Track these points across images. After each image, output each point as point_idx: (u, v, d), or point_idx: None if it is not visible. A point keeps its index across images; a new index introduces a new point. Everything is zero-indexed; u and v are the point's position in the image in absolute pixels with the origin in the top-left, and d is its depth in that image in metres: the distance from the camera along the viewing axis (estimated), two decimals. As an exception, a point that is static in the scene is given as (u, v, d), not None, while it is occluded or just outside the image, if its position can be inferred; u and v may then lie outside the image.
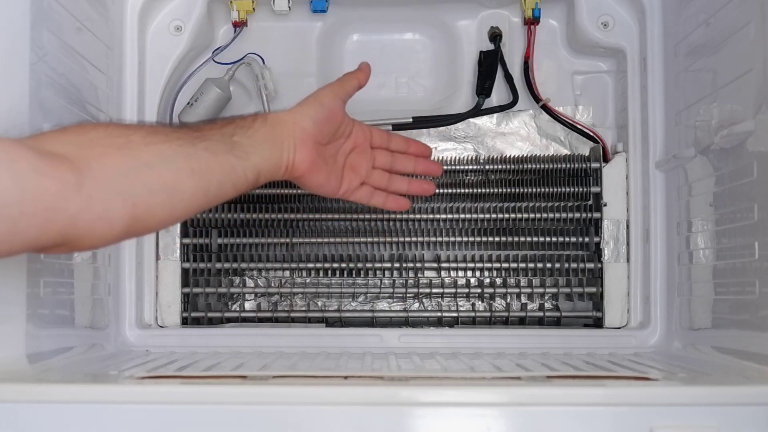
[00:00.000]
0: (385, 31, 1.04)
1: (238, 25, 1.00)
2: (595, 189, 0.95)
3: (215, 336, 0.91)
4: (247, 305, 1.00)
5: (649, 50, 0.91)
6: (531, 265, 0.95)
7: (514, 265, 0.96)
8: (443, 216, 0.96)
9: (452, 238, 0.96)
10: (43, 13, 0.70)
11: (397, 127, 0.98)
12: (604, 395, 0.55)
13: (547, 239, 0.96)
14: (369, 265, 0.96)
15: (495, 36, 1.00)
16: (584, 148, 1.00)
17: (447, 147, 1.03)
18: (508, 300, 0.97)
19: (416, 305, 0.99)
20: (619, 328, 0.93)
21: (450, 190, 0.98)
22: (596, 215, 0.94)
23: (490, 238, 0.96)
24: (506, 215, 0.95)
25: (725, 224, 0.75)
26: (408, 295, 0.97)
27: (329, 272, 0.96)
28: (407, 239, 0.96)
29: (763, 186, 0.67)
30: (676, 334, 0.87)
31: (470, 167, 0.97)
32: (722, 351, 0.74)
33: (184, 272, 0.95)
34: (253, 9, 1.00)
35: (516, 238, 0.96)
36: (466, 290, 0.96)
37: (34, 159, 0.47)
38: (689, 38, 0.83)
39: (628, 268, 0.93)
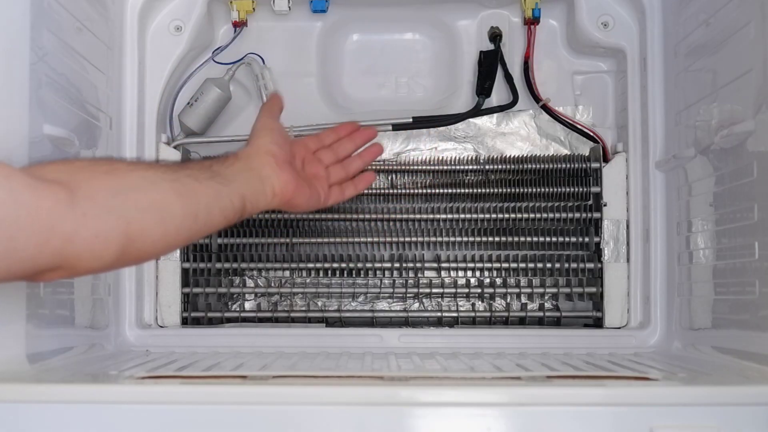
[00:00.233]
0: (385, 31, 1.04)
1: (238, 25, 1.00)
2: (595, 189, 0.95)
3: (215, 336, 0.91)
4: (247, 305, 1.00)
5: (649, 50, 0.91)
6: (531, 265, 0.95)
7: (514, 265, 0.96)
8: (443, 216, 0.96)
9: (452, 238, 0.96)
10: (43, 13, 0.70)
11: (397, 127, 0.98)
12: (604, 395, 0.55)
13: (547, 239, 0.96)
14: (369, 265, 0.96)
15: (495, 36, 1.00)
16: (584, 148, 1.00)
17: (447, 147, 1.03)
18: (508, 300, 0.97)
19: (416, 305, 0.99)
20: (619, 328, 0.93)
21: (450, 190, 0.98)
22: (596, 215, 0.94)
23: (490, 238, 0.96)
24: (506, 215, 0.95)
25: (725, 224, 0.75)
26: (408, 295, 0.97)
27: (329, 272, 0.96)
28: (407, 239, 0.96)
29: (763, 186, 0.67)
30: (676, 334, 0.87)
31: (470, 167, 0.97)
32: (722, 351, 0.74)
33: (184, 272, 0.95)
34: (253, 9, 1.00)
35: (516, 238, 0.96)
36: (466, 290, 0.96)
37: (27, 178, 0.47)
38: (689, 38, 0.83)
39: (628, 268, 0.93)
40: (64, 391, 0.54)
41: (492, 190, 0.97)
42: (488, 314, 0.95)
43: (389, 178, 1.00)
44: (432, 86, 1.03)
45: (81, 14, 0.80)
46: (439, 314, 0.96)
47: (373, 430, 0.53)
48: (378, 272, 0.97)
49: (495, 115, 1.02)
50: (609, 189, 0.94)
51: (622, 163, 0.94)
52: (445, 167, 0.98)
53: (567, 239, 0.96)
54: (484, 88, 0.99)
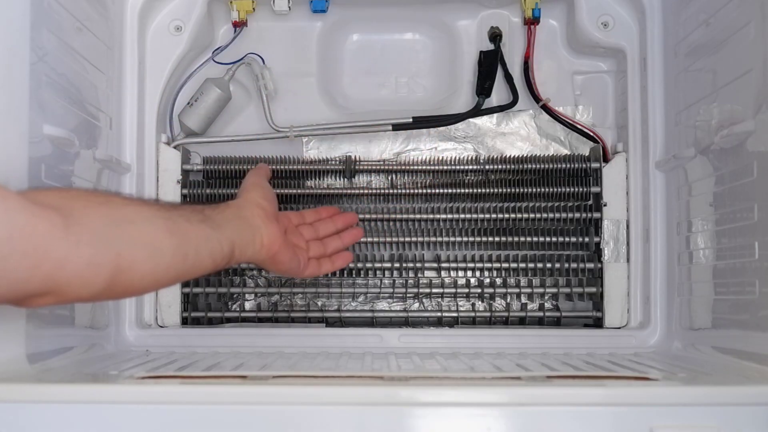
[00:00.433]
0: (385, 31, 1.04)
1: (238, 25, 1.00)
2: (595, 189, 0.95)
3: (215, 336, 0.91)
4: (247, 305, 1.00)
5: (649, 50, 0.91)
6: (531, 265, 0.95)
7: (514, 265, 0.96)
8: (443, 216, 0.96)
9: (452, 238, 0.96)
10: (43, 13, 0.70)
11: (397, 127, 0.98)
12: (604, 395, 0.55)
13: (547, 239, 0.96)
14: (369, 265, 0.96)
15: (495, 36, 1.00)
16: (584, 148, 1.00)
17: (447, 147, 1.03)
18: (508, 300, 0.97)
19: (416, 305, 0.99)
20: (619, 328, 0.93)
21: (450, 190, 0.98)
22: (596, 215, 0.94)
23: (490, 238, 0.96)
24: (506, 215, 0.95)
25: (725, 224, 0.75)
26: (408, 295, 0.97)
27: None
28: (407, 239, 0.96)
29: (763, 186, 0.67)
30: (676, 334, 0.87)
31: (470, 167, 0.97)
32: (722, 351, 0.74)
33: (184, 272, 0.95)
34: (253, 9, 1.00)
35: (516, 238, 0.96)
36: (466, 290, 0.96)
37: (22, 200, 0.47)
38: (689, 38, 0.83)
39: (628, 268, 0.93)
40: (64, 391, 0.54)
41: (492, 190, 0.97)
42: (488, 314, 0.95)
43: (389, 178, 1.00)
44: (432, 86, 1.03)
45: (81, 14, 0.80)
46: (439, 314, 0.96)
47: (373, 430, 0.53)
48: (378, 272, 0.97)
49: (495, 115, 1.02)
50: (609, 189, 0.94)
51: (622, 163, 0.94)
52: (445, 167, 0.98)
53: (567, 239, 0.96)
54: (484, 88, 0.99)
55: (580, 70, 1.01)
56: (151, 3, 0.94)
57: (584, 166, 0.96)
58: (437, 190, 0.98)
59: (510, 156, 0.98)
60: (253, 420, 0.53)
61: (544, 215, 0.95)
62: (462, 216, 0.96)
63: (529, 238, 0.96)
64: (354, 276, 0.97)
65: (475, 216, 0.95)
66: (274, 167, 0.96)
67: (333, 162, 0.99)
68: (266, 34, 1.02)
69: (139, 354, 0.85)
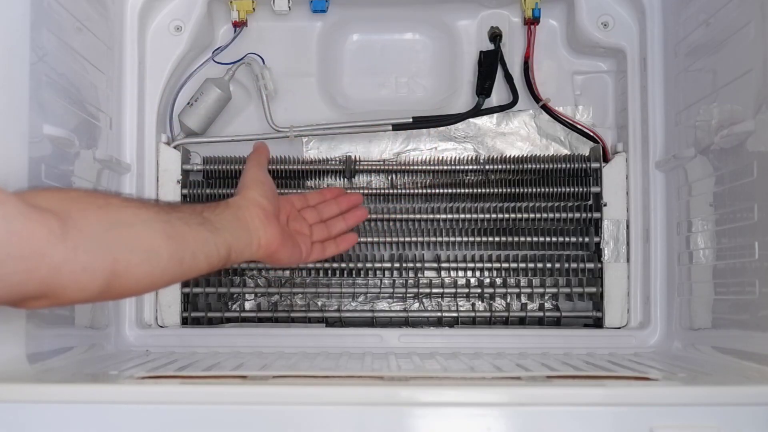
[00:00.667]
0: (385, 31, 1.04)
1: (238, 25, 1.00)
2: (595, 189, 0.95)
3: (215, 336, 0.91)
4: (247, 305, 1.00)
5: (649, 50, 0.91)
6: (531, 265, 0.95)
7: (514, 265, 0.96)
8: (443, 216, 0.96)
9: (452, 238, 0.96)
10: (43, 13, 0.70)
11: (397, 127, 0.98)
12: (604, 395, 0.55)
13: (547, 239, 0.96)
14: (369, 265, 0.96)
15: (495, 36, 1.00)
16: (584, 148, 1.00)
17: (447, 147, 1.03)
18: (508, 300, 0.97)
19: (416, 305, 0.99)
20: (619, 328, 0.93)
21: (450, 190, 0.98)
22: (596, 215, 0.94)
23: (490, 238, 0.96)
24: (506, 215, 0.95)
25: (725, 224, 0.75)
26: (408, 295, 0.97)
27: (329, 272, 0.96)
28: (407, 239, 0.96)
29: (763, 186, 0.67)
30: (676, 334, 0.87)
31: (470, 167, 0.97)
32: (722, 351, 0.74)
33: (184, 272, 0.95)
34: (253, 9, 1.00)
35: (516, 238, 0.96)
36: (466, 290, 0.96)
37: (21, 205, 0.47)
38: (689, 38, 0.83)
39: (628, 268, 0.93)
40: (64, 391, 0.54)
41: (492, 190, 0.97)
42: (488, 314, 0.95)
43: (389, 178, 1.00)
44: (432, 86, 1.03)
45: (81, 14, 0.80)
46: (439, 314, 0.96)
47: (373, 430, 0.53)
48: (378, 272, 0.97)
49: (495, 115, 1.02)
50: (609, 189, 0.94)
51: (622, 163, 0.94)
52: (445, 167, 0.98)
53: (567, 239, 0.96)
54: (484, 88, 0.99)
55: (580, 70, 1.01)
56: (151, 3, 0.94)
57: (584, 166, 0.96)
58: (437, 190, 0.98)
59: (510, 156, 0.98)
60: (253, 420, 0.53)
61: (544, 215, 0.95)
62: (462, 216, 0.96)
63: (529, 238, 0.96)
64: (354, 276, 0.97)
65: (475, 216, 0.95)
66: (274, 167, 0.96)
67: (333, 162, 0.99)
68: (266, 34, 1.02)
69: (139, 354, 0.85)
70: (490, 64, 0.99)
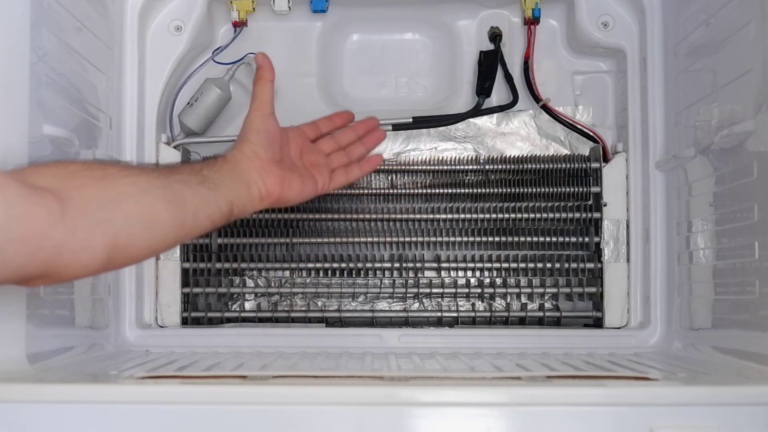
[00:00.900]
0: (385, 31, 1.04)
1: (238, 25, 1.00)
2: (595, 189, 0.95)
3: (215, 336, 0.91)
4: (247, 305, 1.00)
5: (649, 50, 0.91)
6: (531, 265, 0.95)
7: (514, 265, 0.96)
8: (443, 216, 0.96)
9: (452, 238, 0.96)
10: (43, 13, 0.70)
11: (398, 127, 0.98)
12: (604, 395, 0.55)
13: (547, 239, 0.96)
14: (369, 265, 0.96)
15: (495, 36, 1.00)
16: (584, 148, 1.00)
17: (447, 147, 1.03)
18: (508, 300, 0.97)
19: (416, 305, 0.99)
20: (619, 328, 0.93)
21: (450, 190, 0.98)
22: (596, 215, 0.94)
23: (490, 238, 0.96)
24: (506, 215, 0.95)
25: (725, 224, 0.75)
26: (408, 295, 0.97)
27: (329, 272, 0.96)
28: (407, 239, 0.96)
29: (763, 186, 0.67)
30: (676, 334, 0.87)
31: (470, 167, 0.97)
32: (722, 351, 0.74)
33: (184, 272, 0.95)
34: (253, 9, 1.00)
35: (516, 238, 0.96)
36: (466, 290, 0.96)
37: (21, 188, 0.47)
38: (689, 38, 0.83)
39: (628, 268, 0.93)
40: (64, 391, 0.54)
41: (492, 190, 0.97)
42: (488, 314, 0.95)
43: (389, 178, 1.00)
44: (432, 86, 1.03)
45: (81, 14, 0.80)
46: (439, 314, 0.96)
47: (373, 430, 0.53)
48: (378, 272, 0.97)
49: (495, 115, 1.02)
50: (609, 189, 0.94)
51: (622, 163, 0.94)
52: (445, 167, 0.98)
53: (567, 239, 0.96)
54: (484, 88, 0.99)
55: (580, 70, 1.01)
56: (151, 3, 0.93)
57: (584, 166, 0.96)
58: (437, 190, 0.98)
59: (510, 156, 0.98)
60: (253, 420, 0.53)
61: (544, 215, 0.95)
62: (462, 216, 0.96)
63: (529, 238, 0.96)
64: (354, 276, 0.97)
65: (475, 216, 0.95)
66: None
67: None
68: (266, 34, 1.02)
69: (139, 354, 0.85)
70: (490, 64, 0.99)
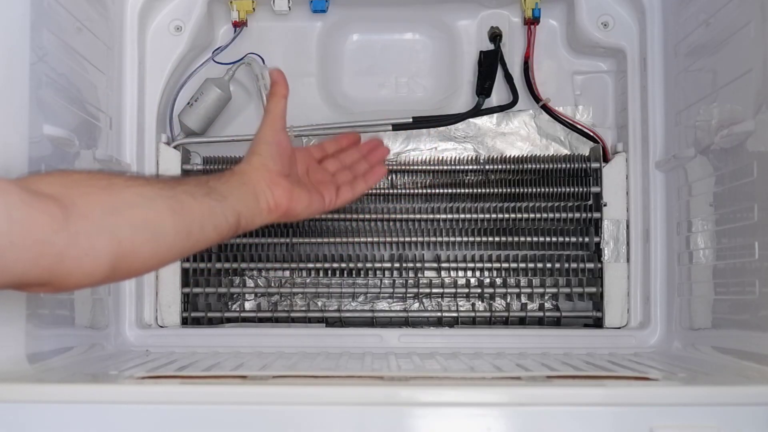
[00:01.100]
0: (385, 31, 1.04)
1: (238, 25, 1.00)
2: (595, 189, 0.95)
3: (215, 336, 0.91)
4: (247, 305, 1.00)
5: (649, 50, 0.91)
6: (531, 265, 0.95)
7: (514, 265, 0.96)
8: (443, 216, 0.96)
9: (452, 238, 0.96)
10: (43, 13, 0.70)
11: (397, 127, 0.98)
12: (604, 395, 0.55)
13: (547, 239, 0.96)
14: (369, 265, 0.96)
15: (495, 36, 1.00)
16: (584, 148, 1.00)
17: (447, 147, 1.03)
18: (508, 300, 0.97)
19: (416, 305, 0.99)
20: (619, 328, 0.93)
21: (450, 190, 0.98)
22: (596, 215, 0.94)
23: (490, 238, 0.96)
24: (506, 215, 0.95)
25: (725, 224, 0.75)
26: (408, 295, 0.97)
27: (329, 272, 0.96)
28: (407, 239, 0.96)
29: (763, 186, 0.67)
30: (676, 334, 0.87)
31: (470, 167, 0.97)
32: (722, 351, 0.74)
33: (184, 272, 0.95)
34: (253, 9, 1.00)
35: (516, 238, 0.96)
36: (466, 290, 0.96)
37: (23, 193, 0.47)
38: (689, 38, 0.83)
39: (628, 268, 0.93)
40: (64, 391, 0.54)
41: (492, 190, 0.97)
42: (488, 314, 0.95)
43: (389, 178, 1.00)
44: (432, 86, 1.03)
45: (81, 14, 0.80)
46: (439, 314, 0.96)
47: (373, 430, 0.53)
48: (378, 272, 0.97)
49: (495, 115, 1.02)
50: (609, 189, 0.94)
51: (622, 163, 0.94)
52: (445, 167, 0.98)
53: (567, 239, 0.96)
54: (484, 88, 0.99)
55: (580, 70, 1.01)
56: (151, 3, 0.94)
57: (584, 166, 0.96)
58: (437, 190, 0.98)
59: (510, 156, 0.98)
60: (253, 420, 0.53)
61: (544, 215, 0.95)
62: (462, 216, 0.96)
63: (529, 238, 0.96)
64: (354, 276, 0.97)
65: (475, 216, 0.95)
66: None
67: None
68: (266, 34, 1.02)
69: (139, 354, 0.85)
70: (490, 64, 0.99)
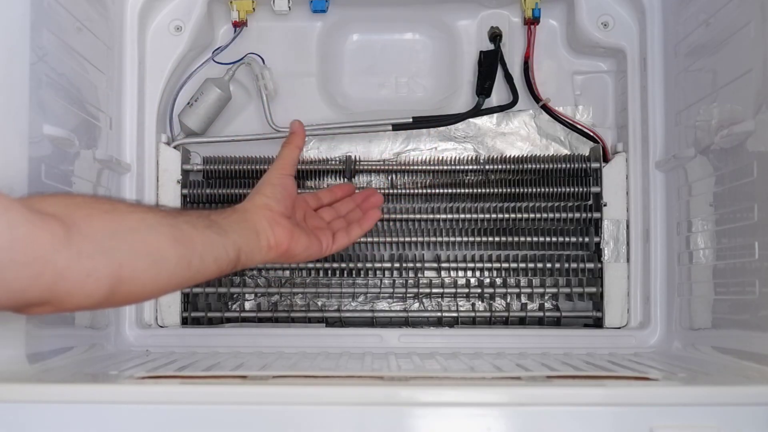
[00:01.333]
0: (385, 31, 1.04)
1: (238, 25, 1.00)
2: (595, 189, 0.95)
3: (215, 336, 0.91)
4: (247, 305, 1.00)
5: (649, 50, 0.91)
6: (531, 265, 0.95)
7: (514, 265, 0.96)
8: (443, 216, 0.96)
9: (452, 238, 0.96)
10: (43, 13, 0.70)
11: (397, 127, 0.98)
12: (604, 395, 0.55)
13: (547, 239, 0.96)
14: (369, 265, 0.96)
15: (495, 36, 1.00)
16: (584, 148, 1.00)
17: (447, 147, 1.03)
18: (508, 300, 0.97)
19: (416, 305, 0.99)
20: (619, 328, 0.93)
21: (450, 190, 0.98)
22: (596, 215, 0.94)
23: (490, 238, 0.96)
24: (506, 215, 0.95)
25: (725, 224, 0.75)
26: (408, 295, 0.97)
27: (329, 272, 0.96)
28: (407, 239, 0.96)
29: (763, 186, 0.67)
30: (676, 334, 0.87)
31: (470, 167, 0.97)
32: (722, 351, 0.74)
33: (184, 272, 0.95)
34: (253, 9, 1.00)
35: (516, 238, 0.96)
36: (466, 290, 0.96)
37: (25, 211, 0.47)
38: (689, 38, 0.83)
39: (628, 268, 0.93)
40: (64, 391, 0.54)
41: (492, 190, 0.97)
42: (488, 314, 0.95)
43: (389, 178, 1.00)
44: (432, 86, 1.03)
45: (81, 14, 0.80)
46: (439, 314, 0.96)
47: (373, 430, 0.53)
48: (378, 272, 0.97)
49: (495, 115, 1.02)
50: (609, 189, 0.94)
51: (622, 163, 0.94)
52: (445, 167, 0.98)
53: (567, 239, 0.96)
54: (484, 88, 0.99)
55: (580, 70, 1.01)
56: (151, 3, 0.94)
57: (584, 166, 0.96)
58: (437, 190, 0.98)
59: (510, 156, 0.98)
60: (253, 420, 0.53)
61: (544, 215, 0.95)
62: (462, 216, 0.96)
63: (529, 238, 0.96)
64: (354, 276, 0.97)
65: (475, 216, 0.95)
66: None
67: (333, 162, 0.99)
68: (266, 34, 1.02)
69: (139, 354, 0.85)
70: (490, 64, 0.99)
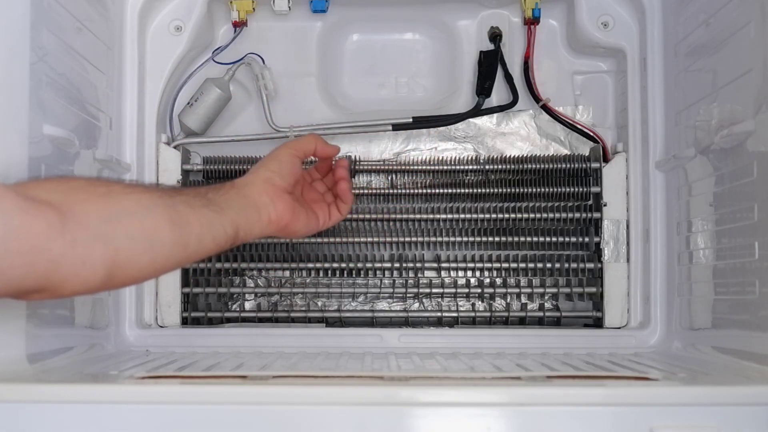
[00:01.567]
0: (385, 31, 1.04)
1: (238, 25, 1.00)
2: (595, 189, 0.95)
3: (215, 336, 0.91)
4: (247, 305, 1.00)
5: (649, 50, 0.91)
6: (531, 265, 0.95)
7: (514, 265, 0.96)
8: (443, 216, 0.96)
9: (452, 238, 0.96)
10: (43, 13, 0.70)
11: (397, 127, 0.98)
12: (604, 395, 0.55)
13: (547, 239, 0.96)
14: (369, 265, 0.96)
15: (495, 36, 1.00)
16: (584, 148, 1.00)
17: (447, 147, 1.03)
18: (508, 300, 0.97)
19: (416, 305, 0.99)
20: (619, 328, 0.93)
21: (450, 190, 0.98)
22: (596, 215, 0.94)
23: (490, 238, 0.96)
24: (506, 215, 0.95)
25: (725, 224, 0.75)
26: (408, 295, 0.97)
27: (329, 272, 0.96)
28: (407, 239, 0.96)
29: (763, 186, 0.67)
30: (676, 334, 0.87)
31: (470, 167, 0.97)
32: (722, 351, 0.74)
33: (184, 272, 0.95)
34: (253, 9, 1.00)
35: (516, 238, 0.96)
36: (466, 290, 0.96)
37: (20, 199, 0.47)
38: (689, 38, 0.83)
39: (628, 268, 0.93)
40: (64, 391, 0.54)
41: (492, 190, 0.97)
42: (488, 314, 0.95)
43: (389, 178, 1.00)
44: (432, 86, 1.03)
45: (81, 14, 0.80)
46: (439, 314, 0.96)
47: (373, 430, 0.53)
48: (378, 272, 0.97)
49: (495, 115, 1.02)
50: (609, 189, 0.94)
51: (622, 163, 0.94)
52: (445, 167, 0.98)
53: (567, 239, 0.96)
54: (484, 88, 0.99)
55: (580, 70, 1.01)
56: (151, 3, 0.94)
57: (584, 166, 0.96)
58: (437, 190, 0.98)
59: (510, 156, 0.98)
60: (253, 420, 0.53)
61: (544, 215, 0.95)
62: (462, 216, 0.95)
63: (529, 238, 0.96)
64: (354, 276, 0.97)
65: (475, 216, 0.95)
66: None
67: (333, 162, 0.98)
68: (266, 34, 1.02)
69: (139, 354, 0.85)
70: (490, 64, 0.99)
